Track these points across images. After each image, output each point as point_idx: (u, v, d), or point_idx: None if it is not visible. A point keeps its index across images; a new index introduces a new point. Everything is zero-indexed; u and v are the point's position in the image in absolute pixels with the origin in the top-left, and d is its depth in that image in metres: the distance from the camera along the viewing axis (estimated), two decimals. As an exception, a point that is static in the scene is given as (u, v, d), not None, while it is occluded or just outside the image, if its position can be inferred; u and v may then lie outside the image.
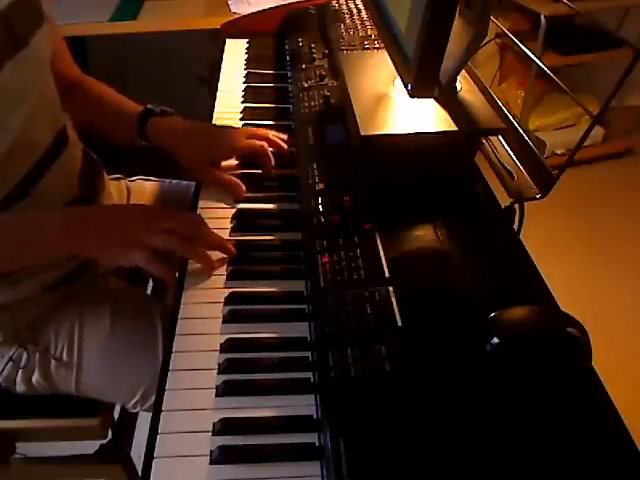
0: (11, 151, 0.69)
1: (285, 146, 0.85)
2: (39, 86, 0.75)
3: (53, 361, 0.80)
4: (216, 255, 0.69)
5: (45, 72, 0.78)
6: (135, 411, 0.85)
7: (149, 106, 0.88)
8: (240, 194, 0.79)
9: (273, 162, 0.83)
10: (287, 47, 1.13)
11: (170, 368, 0.58)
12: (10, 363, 0.79)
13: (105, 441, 0.92)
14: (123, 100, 0.93)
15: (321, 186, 0.73)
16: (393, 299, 0.57)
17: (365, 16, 1.07)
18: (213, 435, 0.52)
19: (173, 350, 0.60)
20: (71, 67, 0.95)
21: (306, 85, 0.93)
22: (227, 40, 1.21)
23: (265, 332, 0.62)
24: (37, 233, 0.67)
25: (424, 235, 0.66)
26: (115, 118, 0.91)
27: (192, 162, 0.83)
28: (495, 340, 0.50)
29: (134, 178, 1.08)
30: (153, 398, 0.59)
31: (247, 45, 1.19)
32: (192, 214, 0.76)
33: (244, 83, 1.05)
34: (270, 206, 0.78)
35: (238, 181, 0.80)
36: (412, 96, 0.65)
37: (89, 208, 0.80)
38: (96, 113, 0.93)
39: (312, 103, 0.89)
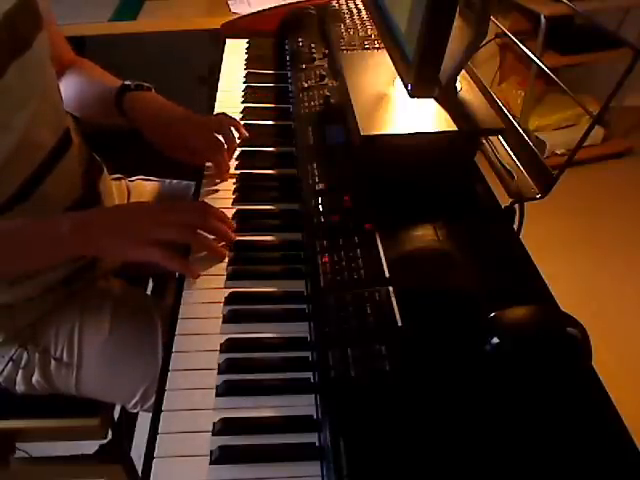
0: (15, 152, 0.69)
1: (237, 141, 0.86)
2: (42, 87, 0.75)
3: (53, 361, 0.80)
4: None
5: (48, 74, 0.78)
6: (135, 411, 0.85)
7: (126, 82, 0.87)
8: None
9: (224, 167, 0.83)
10: (287, 47, 1.13)
11: (170, 368, 0.58)
12: (10, 363, 0.79)
13: (105, 441, 0.93)
14: (108, 77, 0.92)
15: (321, 186, 0.73)
16: (393, 299, 0.57)
17: (365, 16, 1.07)
18: (213, 435, 0.52)
19: (173, 350, 0.60)
20: (67, 52, 0.94)
21: (306, 85, 0.93)
22: (227, 40, 1.21)
23: (265, 332, 0.62)
24: (48, 237, 0.67)
25: (424, 235, 0.66)
26: (98, 96, 0.90)
27: (155, 141, 0.84)
28: (495, 340, 0.50)
29: (134, 178, 1.08)
30: (153, 398, 0.59)
31: (247, 45, 1.19)
32: (198, 203, 0.76)
33: (244, 83, 1.05)
34: (270, 206, 0.78)
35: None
36: (412, 96, 0.65)
37: (96, 209, 0.81)
38: (81, 94, 0.92)
39: (312, 103, 0.89)
